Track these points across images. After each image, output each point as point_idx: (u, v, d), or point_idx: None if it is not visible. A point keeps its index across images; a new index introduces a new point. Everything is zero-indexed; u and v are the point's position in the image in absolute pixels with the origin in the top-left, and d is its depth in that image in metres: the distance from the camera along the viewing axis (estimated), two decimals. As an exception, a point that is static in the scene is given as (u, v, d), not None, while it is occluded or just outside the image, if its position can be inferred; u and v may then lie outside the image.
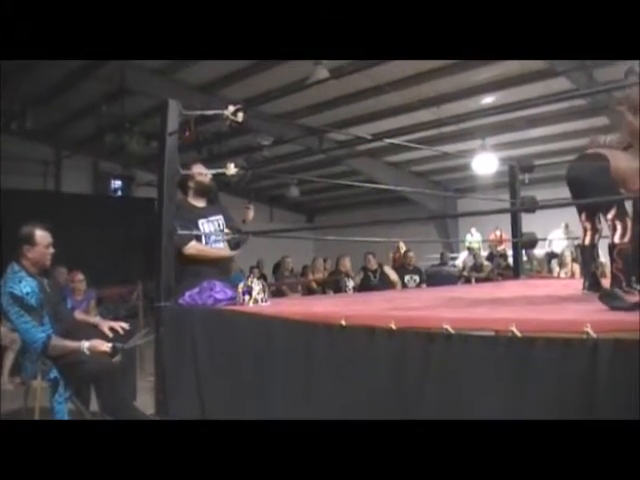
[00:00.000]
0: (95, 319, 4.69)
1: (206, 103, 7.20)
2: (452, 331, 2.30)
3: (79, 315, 4.78)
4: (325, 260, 12.53)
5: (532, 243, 6.67)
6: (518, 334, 2.12)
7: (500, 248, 12.92)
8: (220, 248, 4.78)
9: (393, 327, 2.49)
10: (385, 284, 9.48)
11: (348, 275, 10.17)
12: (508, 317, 2.28)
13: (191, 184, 4.73)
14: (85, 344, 4.14)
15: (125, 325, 4.48)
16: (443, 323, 2.32)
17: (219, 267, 4.66)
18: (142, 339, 4.49)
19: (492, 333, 2.26)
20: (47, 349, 4.11)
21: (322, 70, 9.54)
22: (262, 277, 11.14)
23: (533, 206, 4.12)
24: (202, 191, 4.80)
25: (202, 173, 4.69)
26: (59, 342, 4.15)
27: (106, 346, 4.15)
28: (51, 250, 4.33)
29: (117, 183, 17.93)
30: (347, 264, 10.33)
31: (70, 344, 4.17)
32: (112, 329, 4.40)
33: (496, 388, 2.15)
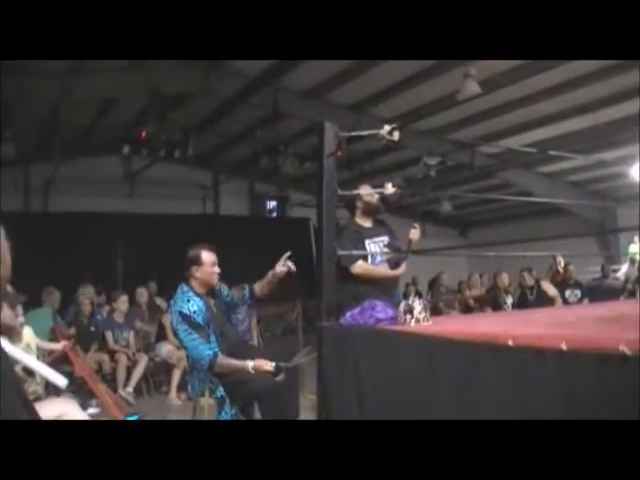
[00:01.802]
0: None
1: (357, 122, 7.29)
2: (628, 352, 2.18)
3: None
4: (481, 276, 12.30)
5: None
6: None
7: (668, 258, 12.18)
8: (385, 268, 4.82)
9: (564, 348, 2.39)
10: (542, 300, 9.17)
11: (507, 291, 9.93)
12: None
13: (359, 204, 4.82)
14: (250, 363, 4.27)
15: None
16: (620, 344, 2.21)
17: (381, 287, 4.68)
18: (304, 357, 4.56)
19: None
20: (213, 366, 4.27)
21: (472, 83, 9.37)
22: (418, 294, 11.08)
23: None
24: (369, 211, 4.88)
25: (369, 193, 4.75)
26: (225, 360, 4.31)
27: (270, 365, 4.26)
28: (217, 269, 4.53)
29: (272, 204, 18.35)
30: (505, 280, 10.10)
31: (236, 362, 4.32)
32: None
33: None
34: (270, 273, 4.62)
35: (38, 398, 4.74)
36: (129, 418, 3.77)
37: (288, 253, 4.49)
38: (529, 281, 9.64)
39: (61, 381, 3.98)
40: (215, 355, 4.27)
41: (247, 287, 4.76)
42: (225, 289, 4.68)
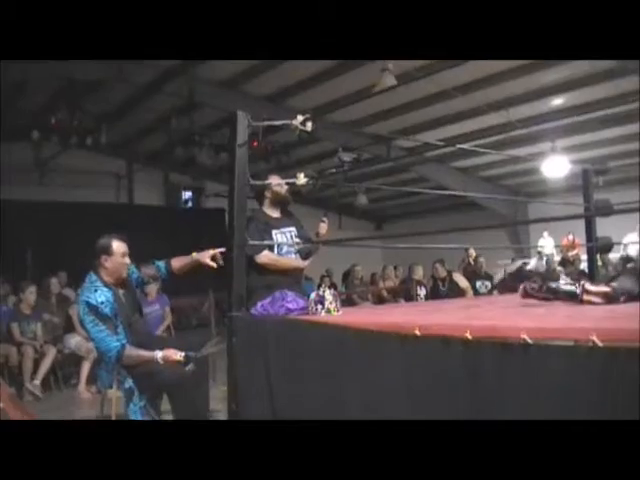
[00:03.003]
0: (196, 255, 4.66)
1: (273, 113, 7.27)
2: (530, 341, 2.24)
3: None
4: (396, 268, 12.46)
5: (608, 248, 6.45)
6: (599, 344, 2.05)
7: (573, 253, 12.62)
8: (292, 259, 4.81)
9: (469, 337, 2.44)
10: (454, 292, 9.38)
11: (420, 283, 10.10)
12: (588, 327, 2.21)
13: (267, 194, 4.81)
14: (159, 354, 4.21)
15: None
16: (521, 333, 2.26)
17: (291, 277, 4.69)
18: (214, 347, 4.53)
19: (571, 343, 2.19)
20: (121, 358, 4.20)
21: (389, 77, 9.47)
22: (332, 286, 11.14)
23: (609, 211, 4.00)
24: (278, 201, 4.86)
25: (278, 183, 4.73)
26: (133, 352, 4.23)
27: (179, 355, 4.21)
28: (127, 260, 4.44)
29: (187, 194, 18.21)
30: (420, 272, 10.27)
31: (144, 354, 4.25)
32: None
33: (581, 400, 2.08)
34: (195, 257, 4.54)
35: None
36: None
37: (223, 249, 4.41)
38: (441, 273, 9.82)
39: None
40: (122, 347, 4.19)
41: (162, 263, 4.69)
42: (132, 267, 4.58)
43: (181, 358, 4.21)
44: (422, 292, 9.99)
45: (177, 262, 4.71)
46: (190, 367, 4.23)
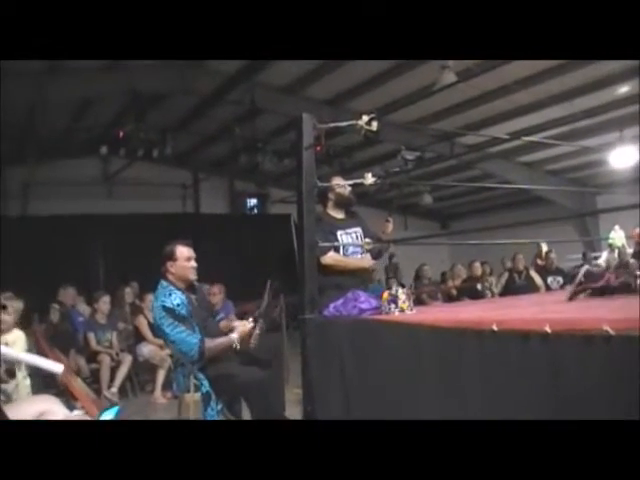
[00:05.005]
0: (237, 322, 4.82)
1: (335, 116, 7.28)
2: (612, 332, 2.18)
3: (223, 322, 4.91)
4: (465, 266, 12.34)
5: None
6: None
7: (647, 244, 12.23)
8: (358, 258, 4.82)
9: (548, 331, 2.39)
10: (530, 287, 9.27)
11: (481, 280, 10.04)
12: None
13: (331, 196, 4.83)
14: (234, 335, 4.36)
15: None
16: (603, 324, 2.20)
17: (359, 278, 4.69)
18: (269, 296, 4.70)
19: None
20: (203, 354, 4.25)
21: (449, 74, 9.40)
22: (401, 285, 11.09)
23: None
24: (341, 203, 4.88)
25: (341, 185, 4.75)
26: (212, 343, 4.32)
27: (249, 323, 4.48)
28: (193, 264, 4.51)
29: (252, 201, 18.34)
30: (478, 269, 10.28)
31: (222, 340, 4.38)
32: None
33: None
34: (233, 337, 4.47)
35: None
36: (108, 412, 3.71)
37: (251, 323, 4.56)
38: (521, 265, 9.80)
39: (57, 367, 3.95)
40: (202, 341, 4.26)
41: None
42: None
43: (251, 323, 4.47)
44: (489, 288, 9.97)
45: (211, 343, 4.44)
46: (260, 325, 4.52)
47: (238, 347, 4.34)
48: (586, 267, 3.77)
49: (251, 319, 4.49)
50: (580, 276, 3.66)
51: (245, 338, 4.39)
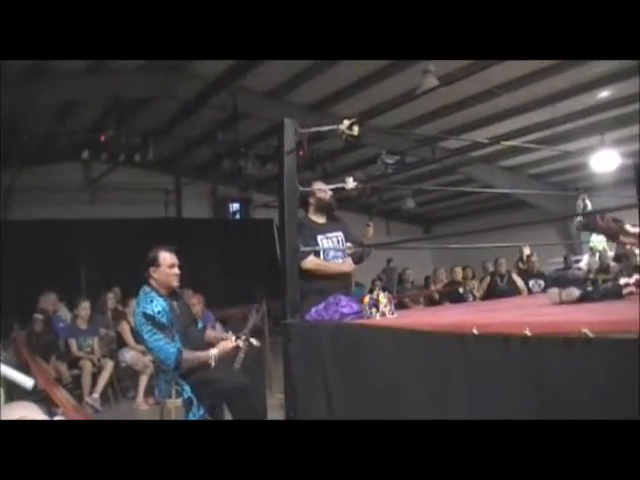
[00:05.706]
0: (225, 334, 4.80)
1: (318, 121, 7.29)
2: (591, 335, 2.19)
3: (210, 333, 4.90)
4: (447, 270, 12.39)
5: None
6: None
7: (628, 247, 12.31)
8: (338, 263, 4.82)
9: (528, 334, 2.40)
10: (512, 290, 9.32)
11: (462, 284, 10.10)
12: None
13: (312, 201, 4.82)
14: (213, 351, 4.33)
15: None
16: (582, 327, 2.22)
17: (341, 282, 4.69)
18: (255, 318, 4.66)
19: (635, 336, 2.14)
20: (180, 364, 4.24)
21: (431, 79, 9.43)
22: (384, 289, 11.11)
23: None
24: (322, 208, 4.87)
25: (322, 189, 4.75)
26: (189, 355, 4.30)
27: (231, 341, 4.40)
28: (176, 270, 4.50)
29: (235, 206, 18.28)
30: (458, 273, 10.35)
31: (200, 354, 4.35)
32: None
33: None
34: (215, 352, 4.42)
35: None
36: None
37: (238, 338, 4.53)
38: (504, 269, 9.87)
39: (28, 382, 3.90)
40: (179, 352, 4.24)
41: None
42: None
43: (234, 342, 4.41)
44: (470, 292, 10.04)
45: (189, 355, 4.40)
46: (244, 342, 4.43)
47: (213, 364, 4.30)
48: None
49: (234, 337, 4.46)
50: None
51: (224, 356, 4.36)
